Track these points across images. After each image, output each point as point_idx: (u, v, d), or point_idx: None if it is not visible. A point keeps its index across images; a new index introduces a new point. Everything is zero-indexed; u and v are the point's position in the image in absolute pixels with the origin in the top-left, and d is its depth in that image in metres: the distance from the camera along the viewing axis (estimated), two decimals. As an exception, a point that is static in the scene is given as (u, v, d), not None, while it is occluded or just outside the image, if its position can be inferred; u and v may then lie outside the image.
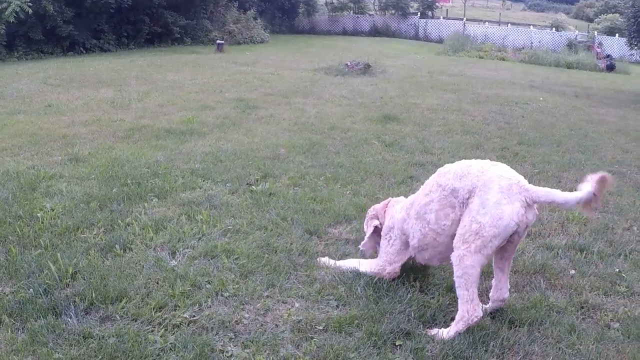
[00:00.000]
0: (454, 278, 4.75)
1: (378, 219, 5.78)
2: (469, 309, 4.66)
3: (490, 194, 4.57)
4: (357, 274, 5.51)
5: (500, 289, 5.04)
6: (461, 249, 4.63)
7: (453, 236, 4.83)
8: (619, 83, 29.12)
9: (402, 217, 5.38)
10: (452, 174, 4.87)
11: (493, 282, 5.08)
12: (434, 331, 4.74)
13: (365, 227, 5.94)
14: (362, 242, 5.88)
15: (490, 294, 5.10)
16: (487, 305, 5.13)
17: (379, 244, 5.77)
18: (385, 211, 5.78)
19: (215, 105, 14.02)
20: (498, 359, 4.48)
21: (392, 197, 5.96)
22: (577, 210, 4.69)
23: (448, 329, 4.74)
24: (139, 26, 31.73)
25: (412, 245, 5.28)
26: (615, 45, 45.29)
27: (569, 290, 5.66)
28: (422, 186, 5.30)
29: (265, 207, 7.09)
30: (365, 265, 5.60)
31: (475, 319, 4.67)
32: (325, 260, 5.77)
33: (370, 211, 5.92)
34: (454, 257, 4.71)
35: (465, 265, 4.61)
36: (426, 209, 5.04)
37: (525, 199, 4.56)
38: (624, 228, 7.47)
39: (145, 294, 4.92)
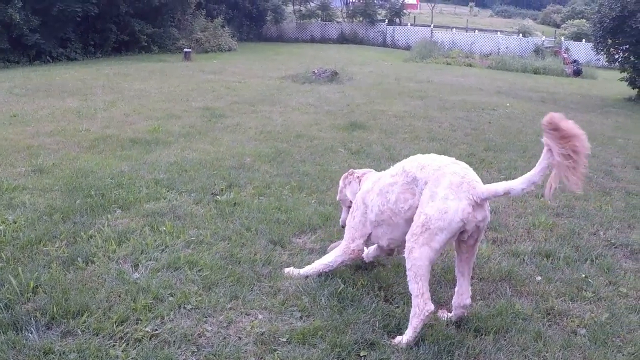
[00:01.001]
0: (407, 273, 4.79)
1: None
2: (419, 304, 4.71)
3: (439, 188, 4.65)
4: (326, 273, 5.60)
5: (462, 295, 5.06)
6: (410, 242, 4.71)
7: (408, 221, 4.92)
8: (585, 88, 29.46)
9: (368, 188, 5.46)
10: (417, 163, 4.96)
11: (455, 289, 5.10)
12: (397, 340, 4.75)
13: (341, 192, 6.02)
14: (342, 217, 6.08)
15: (453, 301, 5.12)
16: (451, 314, 5.15)
17: None
18: (360, 180, 5.84)
19: (181, 114, 13.95)
20: (464, 368, 4.49)
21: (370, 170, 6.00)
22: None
23: (405, 333, 4.76)
24: (106, 34, 31.56)
25: (370, 219, 5.35)
26: (582, 51, 45.90)
27: (535, 296, 5.70)
28: (393, 165, 5.36)
29: (229, 218, 7.06)
30: (332, 255, 5.64)
31: (427, 313, 4.70)
32: (303, 270, 5.75)
33: (350, 173, 5.97)
34: (405, 250, 4.78)
35: (413, 257, 4.68)
36: (389, 189, 5.13)
37: (473, 198, 4.60)
38: (591, 233, 7.54)
39: (107, 307, 4.86)
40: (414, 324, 4.71)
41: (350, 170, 5.99)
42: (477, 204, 4.63)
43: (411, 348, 4.63)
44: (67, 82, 19.20)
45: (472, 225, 4.69)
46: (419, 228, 4.66)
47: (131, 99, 16.04)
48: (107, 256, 5.83)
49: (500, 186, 4.65)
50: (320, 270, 5.64)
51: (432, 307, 4.75)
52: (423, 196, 4.76)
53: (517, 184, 4.59)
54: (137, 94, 17.12)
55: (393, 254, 5.74)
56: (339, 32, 54.21)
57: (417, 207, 4.85)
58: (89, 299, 4.96)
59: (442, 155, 5.04)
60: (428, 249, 4.65)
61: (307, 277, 5.61)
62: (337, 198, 6.15)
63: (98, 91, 17.27)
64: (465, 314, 5.13)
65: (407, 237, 4.78)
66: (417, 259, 4.67)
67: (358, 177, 5.83)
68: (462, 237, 4.83)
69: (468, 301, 5.08)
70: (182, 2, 36.84)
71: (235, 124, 13.02)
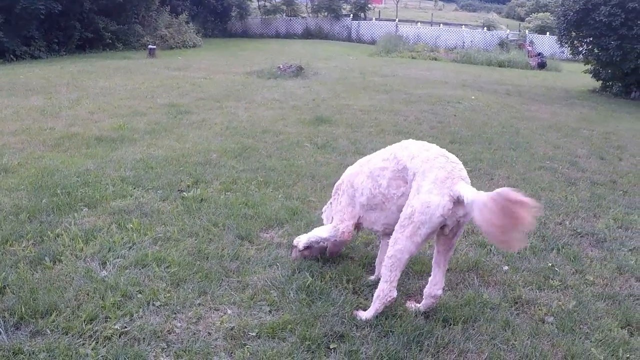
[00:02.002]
0: (385, 257, 4.87)
1: None
2: (384, 289, 4.84)
3: (425, 182, 4.68)
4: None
5: (435, 285, 5.09)
6: (397, 232, 4.77)
7: (399, 207, 4.96)
8: (550, 80, 29.67)
9: (355, 171, 5.48)
10: (408, 152, 4.98)
11: (430, 278, 5.13)
12: (359, 313, 4.97)
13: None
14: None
15: (425, 290, 5.15)
16: (420, 304, 5.20)
17: None
18: None
19: (146, 111, 13.87)
20: (433, 357, 4.54)
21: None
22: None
23: (368, 310, 4.95)
24: (69, 32, 31.12)
25: (361, 203, 5.37)
26: (546, 44, 46.28)
27: (502, 286, 5.78)
28: (383, 149, 5.37)
29: (196, 214, 7.06)
30: (325, 230, 5.72)
31: (389, 299, 4.86)
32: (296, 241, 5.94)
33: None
34: (391, 238, 4.86)
35: (396, 248, 4.75)
36: (380, 173, 5.14)
37: (453, 194, 4.62)
38: (556, 222, 7.65)
39: (75, 306, 4.85)
40: (377, 305, 4.89)
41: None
42: (459, 201, 4.64)
43: (380, 338, 4.68)
44: (31, 81, 18.98)
45: (452, 220, 4.74)
46: (405, 220, 4.72)
47: (96, 97, 15.89)
48: (75, 255, 5.81)
49: (470, 194, 4.54)
50: (312, 242, 5.82)
51: (395, 294, 4.87)
52: (412, 188, 4.80)
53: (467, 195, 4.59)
54: (102, 91, 16.97)
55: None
56: (304, 27, 54.09)
57: (408, 195, 4.92)
58: (57, 298, 4.93)
59: (434, 145, 5.05)
60: (411, 243, 4.71)
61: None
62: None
63: (62, 89, 17.09)
64: (434, 305, 5.18)
65: (395, 227, 4.84)
66: (399, 251, 4.75)
67: None
68: (443, 232, 4.86)
69: (440, 292, 5.12)
70: (146, -2, 36.63)
71: (200, 120, 12.98)
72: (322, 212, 6.21)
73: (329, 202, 5.97)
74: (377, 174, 5.17)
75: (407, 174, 4.91)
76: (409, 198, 4.79)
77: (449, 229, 4.83)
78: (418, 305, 5.19)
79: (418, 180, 4.75)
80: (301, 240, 5.85)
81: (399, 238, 4.75)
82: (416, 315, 5.02)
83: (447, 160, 4.82)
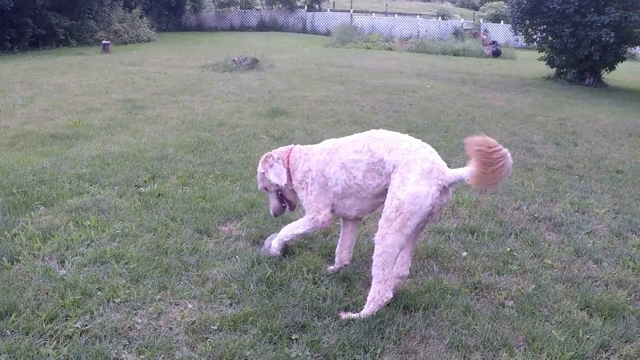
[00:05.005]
0: (373, 257, 4.90)
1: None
2: (380, 290, 4.87)
3: (411, 174, 4.77)
4: (287, 239, 5.74)
5: (402, 266, 5.19)
6: (384, 228, 4.82)
7: (376, 195, 5.13)
8: (505, 68, 29.96)
9: (324, 159, 5.41)
10: (384, 144, 5.02)
11: (397, 259, 5.12)
12: (347, 315, 4.92)
13: (262, 179, 5.93)
14: (271, 205, 6.05)
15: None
16: None
17: (287, 200, 5.92)
18: (289, 157, 5.74)
19: (101, 108, 13.77)
20: (395, 345, 4.59)
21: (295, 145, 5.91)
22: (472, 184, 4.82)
23: (360, 312, 4.92)
24: (22, 29, 30.64)
25: (335, 192, 5.37)
26: (501, 32, 46.74)
27: (462, 272, 5.88)
28: (352, 137, 5.36)
29: (154, 209, 7.04)
30: (300, 226, 5.66)
31: (386, 300, 4.88)
32: (268, 242, 5.90)
33: (268, 156, 5.81)
34: (376, 236, 4.88)
35: (385, 243, 4.79)
36: (354, 165, 5.16)
37: (442, 183, 4.77)
38: (514, 208, 7.78)
39: (35, 306, 4.82)
40: (372, 307, 4.90)
41: (267, 154, 5.85)
42: (445, 189, 4.83)
43: (342, 327, 4.73)
44: (-17, 79, 18.79)
45: (437, 207, 4.88)
46: (393, 213, 4.78)
47: (50, 94, 15.75)
48: (33, 254, 5.77)
49: (465, 172, 4.77)
50: (289, 240, 5.81)
51: (391, 294, 4.92)
52: (394, 180, 4.86)
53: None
54: (56, 88, 16.80)
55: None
56: (258, 19, 53.86)
57: (385, 185, 5.00)
58: (16, 298, 4.90)
59: (405, 135, 5.14)
60: (400, 235, 4.79)
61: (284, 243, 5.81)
62: (260, 187, 6.06)
63: (16, 87, 16.90)
64: (401, 286, 5.27)
65: (380, 223, 4.88)
66: (389, 246, 4.80)
67: (279, 157, 5.73)
68: (427, 219, 4.98)
69: (407, 272, 5.24)
70: (99, -8, 36.23)
71: (156, 115, 12.94)
72: (270, 211, 6.12)
73: (268, 159, 5.77)
74: (350, 166, 5.18)
75: (384, 166, 4.97)
76: (392, 190, 4.85)
77: (432, 216, 4.99)
78: None
79: (402, 173, 4.82)
80: (274, 247, 5.81)
81: (387, 233, 4.80)
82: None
83: (427, 151, 4.95)
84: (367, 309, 4.91)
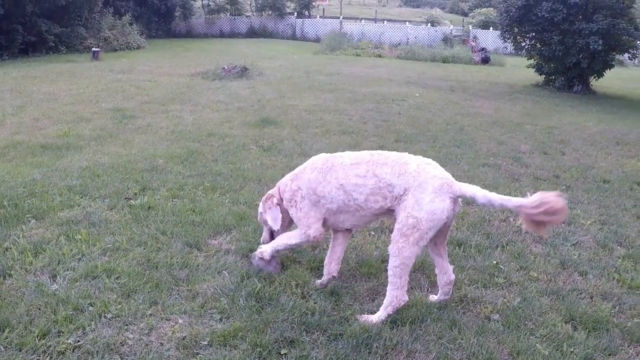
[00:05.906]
0: (390, 268, 5.09)
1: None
2: (397, 295, 5.12)
3: (425, 194, 5.01)
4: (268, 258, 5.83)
5: (445, 273, 5.47)
6: (400, 242, 5.03)
7: (375, 214, 5.39)
8: (494, 75, 30.07)
9: (315, 178, 5.52)
10: (390, 169, 5.19)
11: (437, 270, 5.51)
12: (364, 317, 5.14)
13: (261, 216, 6.13)
14: (262, 236, 6.27)
15: (438, 281, 5.52)
16: (437, 296, 5.56)
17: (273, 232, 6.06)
18: (279, 193, 5.94)
19: (91, 117, 13.74)
20: (382, 359, 4.66)
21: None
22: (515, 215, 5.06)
23: (377, 314, 5.14)
24: (12, 36, 30.46)
25: (329, 208, 5.50)
26: (490, 39, 46.90)
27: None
28: (348, 157, 5.48)
29: (144, 222, 7.07)
30: (293, 237, 5.78)
31: (402, 303, 5.15)
32: (259, 252, 5.92)
33: (268, 197, 6.02)
34: (392, 249, 5.09)
35: (404, 256, 5.02)
36: (356, 189, 5.30)
37: (452, 195, 5.04)
38: (500, 220, 7.85)
39: (27, 321, 4.84)
40: (389, 310, 5.14)
41: (268, 194, 6.05)
42: (456, 200, 5.11)
43: (330, 342, 4.79)
44: (-27, 87, 18.73)
45: (452, 217, 5.18)
46: (409, 230, 5.00)
47: (40, 103, 15.69)
48: (24, 268, 5.78)
49: (468, 189, 5.11)
50: (282, 249, 5.92)
51: (406, 298, 5.21)
52: (407, 202, 5.07)
53: (480, 195, 5.06)
54: (46, 97, 16.74)
55: None
56: (248, 26, 53.82)
57: (388, 207, 5.22)
58: (9, 314, 4.92)
59: (405, 154, 5.37)
60: (417, 248, 5.05)
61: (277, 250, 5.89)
62: (258, 219, 6.27)
63: (6, 95, 16.83)
64: (451, 289, 5.54)
65: (395, 238, 5.09)
66: (407, 258, 5.05)
67: (277, 203, 5.92)
68: (441, 228, 5.20)
69: (452, 277, 5.52)
70: (89, -1, 36.13)
71: (146, 125, 12.94)
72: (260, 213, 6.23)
73: (267, 201, 5.99)
74: (351, 189, 5.32)
75: (393, 190, 5.15)
76: (407, 210, 5.05)
77: (447, 225, 5.28)
78: (434, 296, 5.64)
79: (415, 195, 5.04)
80: (266, 251, 5.86)
81: (404, 247, 5.02)
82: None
83: (432, 167, 5.21)
84: (384, 312, 5.14)
